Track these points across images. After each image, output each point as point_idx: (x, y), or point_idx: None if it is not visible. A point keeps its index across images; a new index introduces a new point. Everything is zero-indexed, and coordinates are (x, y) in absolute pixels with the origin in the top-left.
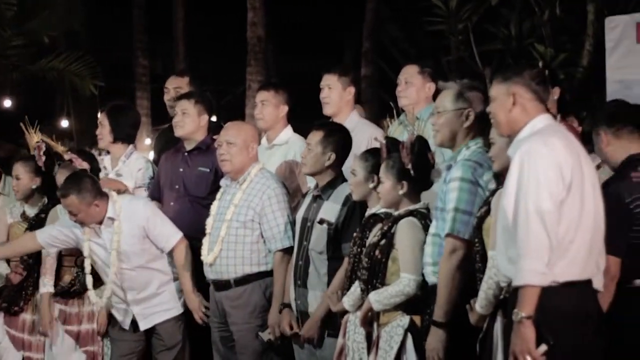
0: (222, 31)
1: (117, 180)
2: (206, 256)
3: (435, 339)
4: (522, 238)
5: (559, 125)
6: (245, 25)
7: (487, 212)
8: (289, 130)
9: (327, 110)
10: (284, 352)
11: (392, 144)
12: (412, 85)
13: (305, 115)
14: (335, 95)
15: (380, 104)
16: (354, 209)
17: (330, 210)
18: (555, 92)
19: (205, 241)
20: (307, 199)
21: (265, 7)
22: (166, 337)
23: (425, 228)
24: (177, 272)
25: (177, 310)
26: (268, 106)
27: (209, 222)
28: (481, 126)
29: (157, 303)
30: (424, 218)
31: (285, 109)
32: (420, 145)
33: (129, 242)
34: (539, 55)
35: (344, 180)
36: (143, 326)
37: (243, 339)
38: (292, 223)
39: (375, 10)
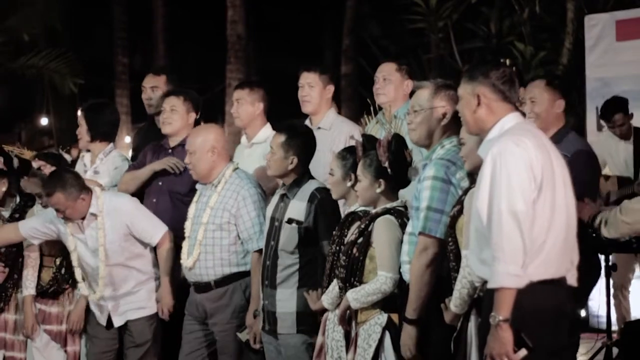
0: (203, 29)
1: (91, 180)
2: (186, 260)
3: (406, 335)
4: (497, 240)
5: (529, 123)
6: (225, 23)
7: (460, 211)
8: (267, 128)
9: (306, 109)
10: (263, 352)
11: (369, 141)
12: (390, 82)
13: (286, 113)
14: (316, 94)
15: (360, 102)
16: (322, 205)
17: (297, 208)
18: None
19: (185, 245)
20: (275, 198)
21: (245, 5)
22: (136, 334)
23: (403, 226)
24: (156, 271)
25: (151, 309)
26: (243, 104)
27: (188, 225)
28: (457, 125)
29: (132, 301)
30: (401, 216)
31: (260, 106)
32: (397, 143)
33: (110, 239)
34: (519, 53)
35: (311, 177)
36: (117, 322)
37: (225, 339)
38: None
39: (355, 8)
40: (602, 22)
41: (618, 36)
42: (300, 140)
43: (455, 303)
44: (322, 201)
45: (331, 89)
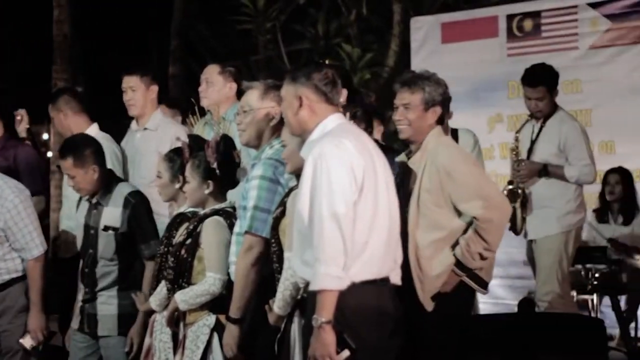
0: (28, 29)
1: None
2: None
3: (229, 334)
4: (318, 242)
5: (350, 125)
6: (51, 23)
7: (283, 212)
8: (93, 128)
9: (132, 112)
10: (48, 356)
11: (195, 142)
12: (212, 85)
13: (114, 113)
14: (139, 96)
15: (188, 103)
16: (136, 209)
17: (112, 215)
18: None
19: None
20: (84, 205)
21: (71, 4)
22: None
23: (231, 227)
24: None
25: None
26: (59, 120)
27: None
28: None
29: None
30: (230, 217)
31: (68, 113)
32: (225, 144)
33: None
34: (346, 55)
35: (119, 180)
36: None
37: (7, 339)
38: (39, 226)
39: (182, 9)
40: (428, 25)
41: (443, 38)
42: (88, 150)
43: (278, 305)
44: (136, 206)
45: (155, 89)
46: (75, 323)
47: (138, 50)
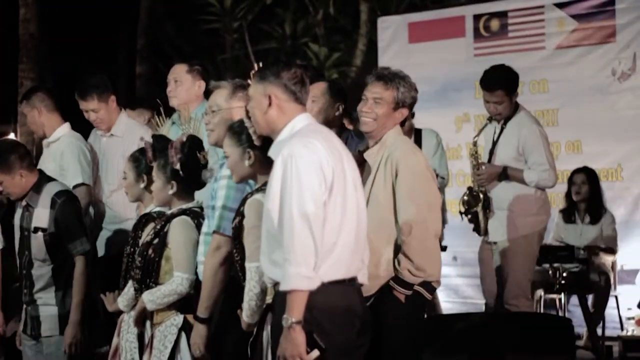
0: None
1: None
2: None
3: (196, 334)
4: (288, 242)
5: (319, 125)
6: (17, 22)
7: (241, 222)
8: (65, 127)
9: (102, 128)
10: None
11: (159, 142)
12: (181, 84)
13: (81, 112)
14: (104, 115)
15: (155, 103)
16: (62, 209)
17: (42, 216)
18: None
19: None
20: (18, 209)
21: (37, 3)
22: None
23: (199, 227)
24: None
25: None
26: (31, 117)
27: None
28: None
29: None
30: (197, 217)
31: (42, 110)
32: (191, 145)
33: None
34: (313, 55)
35: (48, 180)
36: None
37: None
38: None
39: (149, 8)
40: (395, 25)
41: (410, 38)
42: (13, 156)
43: (246, 314)
44: (62, 205)
45: (114, 98)
46: (21, 325)
47: (106, 50)
